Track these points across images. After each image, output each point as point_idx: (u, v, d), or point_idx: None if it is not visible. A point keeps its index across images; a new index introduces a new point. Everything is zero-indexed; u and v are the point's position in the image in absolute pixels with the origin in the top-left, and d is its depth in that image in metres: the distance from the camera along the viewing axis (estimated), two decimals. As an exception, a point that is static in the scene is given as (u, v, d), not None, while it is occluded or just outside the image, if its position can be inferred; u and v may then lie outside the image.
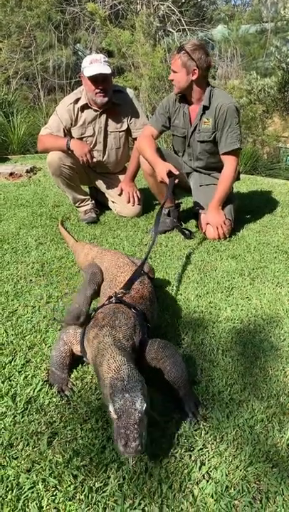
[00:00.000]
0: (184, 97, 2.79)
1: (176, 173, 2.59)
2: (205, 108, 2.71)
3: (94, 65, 2.82)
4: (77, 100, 2.98)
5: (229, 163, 2.76)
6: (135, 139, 3.17)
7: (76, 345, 1.50)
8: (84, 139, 3.05)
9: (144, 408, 1.10)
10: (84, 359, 1.53)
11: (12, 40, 8.46)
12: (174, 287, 2.19)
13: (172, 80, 2.75)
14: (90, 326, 1.48)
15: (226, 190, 2.77)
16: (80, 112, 3.00)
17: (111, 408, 1.11)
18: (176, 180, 2.65)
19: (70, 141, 2.90)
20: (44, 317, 1.90)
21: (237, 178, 3.10)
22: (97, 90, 2.86)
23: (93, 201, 3.23)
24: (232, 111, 2.68)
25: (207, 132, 2.75)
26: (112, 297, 1.58)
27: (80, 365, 1.58)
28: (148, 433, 1.12)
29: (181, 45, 2.72)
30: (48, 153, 3.01)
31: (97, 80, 2.83)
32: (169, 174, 2.58)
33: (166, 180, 2.58)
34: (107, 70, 2.81)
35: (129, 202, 3.18)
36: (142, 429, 1.07)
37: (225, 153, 2.75)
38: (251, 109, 5.91)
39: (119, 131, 3.12)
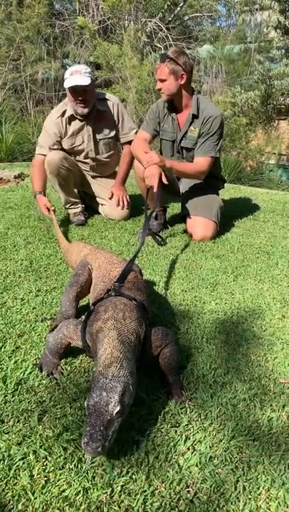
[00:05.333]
0: (171, 105, 2.88)
1: (166, 183, 2.62)
2: (194, 117, 2.80)
3: (74, 76, 2.87)
4: (63, 113, 3.05)
5: (202, 160, 2.80)
6: (123, 144, 3.26)
7: (77, 341, 1.49)
8: (75, 149, 3.13)
9: (116, 411, 1.09)
10: (87, 353, 1.53)
11: (1, 52, 8.58)
12: (161, 283, 2.26)
13: (160, 89, 2.81)
14: (91, 320, 1.44)
15: (187, 168, 2.80)
16: (67, 124, 3.07)
17: (85, 403, 1.12)
18: (166, 181, 2.64)
19: (37, 195, 3.08)
20: (33, 308, 1.94)
21: (222, 187, 3.21)
22: (77, 101, 2.94)
23: (83, 205, 3.29)
24: (217, 122, 2.76)
25: (192, 140, 2.84)
26: (110, 290, 1.56)
27: (70, 351, 1.62)
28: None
29: (163, 53, 2.82)
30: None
31: (77, 90, 2.89)
32: (160, 182, 2.58)
33: (155, 189, 2.59)
34: (86, 82, 2.84)
35: (118, 205, 3.25)
36: (108, 431, 1.07)
37: (199, 157, 2.82)
38: (235, 121, 6.09)
39: (108, 138, 3.19)
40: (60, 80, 9.04)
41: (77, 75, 2.86)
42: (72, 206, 3.22)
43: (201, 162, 2.80)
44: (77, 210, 3.22)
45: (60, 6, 9.65)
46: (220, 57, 8.21)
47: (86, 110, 2.98)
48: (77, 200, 3.24)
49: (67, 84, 2.88)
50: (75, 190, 3.34)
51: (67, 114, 3.05)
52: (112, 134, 3.19)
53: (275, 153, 7.52)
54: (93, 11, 8.34)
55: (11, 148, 6.03)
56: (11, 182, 4.46)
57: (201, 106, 2.80)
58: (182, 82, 2.71)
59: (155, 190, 2.59)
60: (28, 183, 4.44)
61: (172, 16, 8.98)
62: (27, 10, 8.32)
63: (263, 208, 3.72)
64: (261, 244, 2.85)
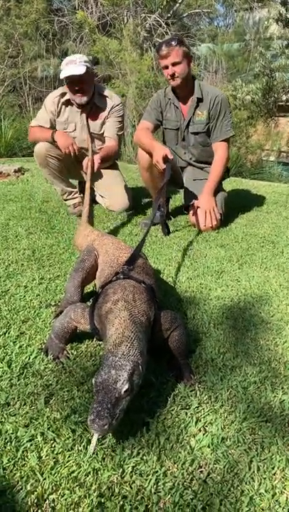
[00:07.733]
0: (174, 91, 2.85)
1: (171, 157, 2.57)
2: (199, 100, 2.78)
3: (69, 66, 2.84)
4: (63, 94, 3.03)
5: (222, 149, 2.87)
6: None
7: (84, 325, 1.46)
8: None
9: (124, 389, 1.07)
10: (95, 337, 1.51)
11: None
12: (166, 271, 2.23)
13: (172, 75, 2.70)
14: (100, 302, 1.41)
15: (219, 175, 2.87)
16: (63, 106, 3.04)
17: (93, 380, 1.10)
18: (171, 156, 2.59)
19: (54, 133, 2.93)
20: (37, 296, 1.91)
21: (226, 176, 3.17)
22: (75, 92, 2.91)
23: (82, 195, 3.25)
24: (225, 101, 2.81)
25: (201, 124, 2.82)
26: (118, 273, 1.53)
27: (76, 337, 1.59)
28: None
29: (170, 38, 2.75)
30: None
31: (73, 81, 2.86)
32: (165, 160, 2.55)
33: (162, 165, 2.56)
34: (80, 71, 2.79)
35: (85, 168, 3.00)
36: (116, 409, 1.05)
37: (218, 141, 2.86)
38: (236, 115, 6.06)
39: (99, 134, 3.14)
40: (59, 77, 9.00)
41: (72, 65, 2.83)
42: (70, 197, 3.18)
43: (222, 148, 2.87)
44: (76, 201, 3.19)
45: (58, 2, 9.62)
46: (220, 54, 8.18)
47: (85, 99, 2.94)
48: (73, 190, 3.20)
49: (62, 75, 2.85)
50: (73, 182, 3.28)
51: (65, 97, 3.02)
52: (103, 131, 3.14)
53: (274, 150, 7.50)
54: (92, 7, 8.30)
55: (11, 144, 6.01)
56: (10, 176, 4.42)
57: (204, 89, 2.80)
58: (190, 67, 2.73)
59: (163, 167, 2.56)
60: (28, 177, 4.41)
61: (170, 13, 8.94)
62: (25, 6, 8.26)
63: (266, 200, 3.70)
64: (265, 234, 2.83)
